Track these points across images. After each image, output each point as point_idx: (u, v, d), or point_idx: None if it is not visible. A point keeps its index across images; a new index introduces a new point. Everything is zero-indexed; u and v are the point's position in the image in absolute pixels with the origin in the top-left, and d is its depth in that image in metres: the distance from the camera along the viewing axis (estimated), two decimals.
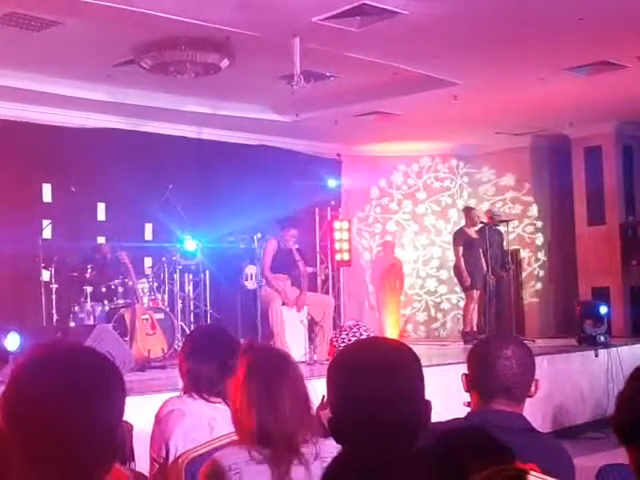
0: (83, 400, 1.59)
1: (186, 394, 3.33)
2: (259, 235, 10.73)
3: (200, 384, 3.28)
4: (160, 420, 3.30)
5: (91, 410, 1.60)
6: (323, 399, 3.25)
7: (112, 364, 1.70)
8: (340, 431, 1.92)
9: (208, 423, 3.17)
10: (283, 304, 9.64)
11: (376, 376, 1.91)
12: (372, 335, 3.77)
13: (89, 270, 9.96)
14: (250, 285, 10.50)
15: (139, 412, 4.17)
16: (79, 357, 1.67)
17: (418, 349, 2.13)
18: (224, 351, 3.24)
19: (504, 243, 12.02)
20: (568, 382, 9.71)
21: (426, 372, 2.03)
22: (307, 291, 10.08)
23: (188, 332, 10.72)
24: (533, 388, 2.74)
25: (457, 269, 11.97)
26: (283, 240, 9.82)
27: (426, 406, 1.95)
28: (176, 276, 11.07)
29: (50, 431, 1.56)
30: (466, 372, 2.79)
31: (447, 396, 6.15)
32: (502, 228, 12.06)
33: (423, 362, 2.04)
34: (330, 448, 2.48)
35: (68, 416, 1.57)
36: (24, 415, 1.58)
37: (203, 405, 3.25)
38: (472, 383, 2.76)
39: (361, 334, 3.75)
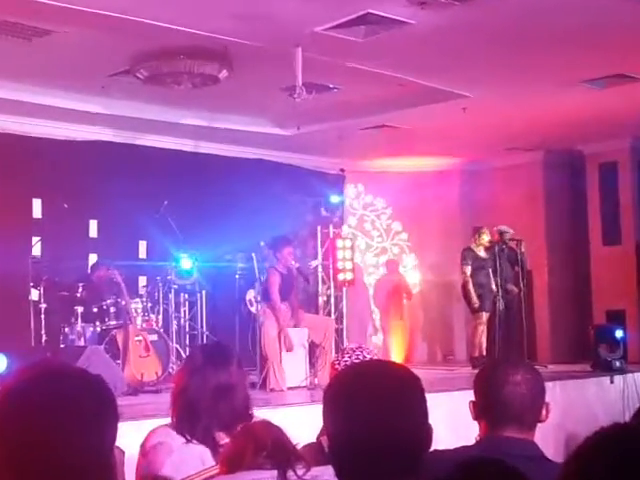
0: (73, 424, 1.59)
1: (174, 428, 3.28)
2: (258, 255, 10.74)
3: (193, 424, 3.22)
4: (147, 452, 3.27)
5: (81, 435, 1.59)
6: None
7: (105, 386, 1.70)
8: (338, 457, 1.92)
9: (199, 457, 3.15)
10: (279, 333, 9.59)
11: (375, 399, 1.91)
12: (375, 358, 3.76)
13: (80, 289, 9.96)
14: (254, 309, 10.49)
15: (131, 438, 4.15)
16: (70, 379, 1.67)
17: (423, 373, 2.13)
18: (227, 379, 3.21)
19: (515, 264, 12.00)
20: (582, 409, 9.67)
21: (432, 399, 2.04)
22: (306, 312, 10.08)
23: (185, 354, 10.72)
24: (544, 412, 2.74)
25: (465, 290, 11.95)
26: (283, 262, 9.76)
27: (428, 431, 1.96)
28: (171, 296, 11.08)
29: (39, 456, 1.56)
30: (474, 399, 2.79)
31: (455, 424, 6.14)
32: (512, 247, 12.04)
33: (429, 388, 2.05)
34: (329, 471, 2.48)
35: (58, 441, 1.57)
36: (12, 439, 1.58)
37: (192, 444, 3.21)
38: (480, 411, 2.76)
39: (364, 357, 3.75)
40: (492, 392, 2.71)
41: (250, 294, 11.29)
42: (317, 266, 12.59)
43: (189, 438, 3.20)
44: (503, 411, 2.68)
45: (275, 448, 2.56)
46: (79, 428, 1.60)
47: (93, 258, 11.05)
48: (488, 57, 8.86)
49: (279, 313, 9.55)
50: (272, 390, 9.15)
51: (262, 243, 10.63)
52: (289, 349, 9.52)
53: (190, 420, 3.21)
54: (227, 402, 3.14)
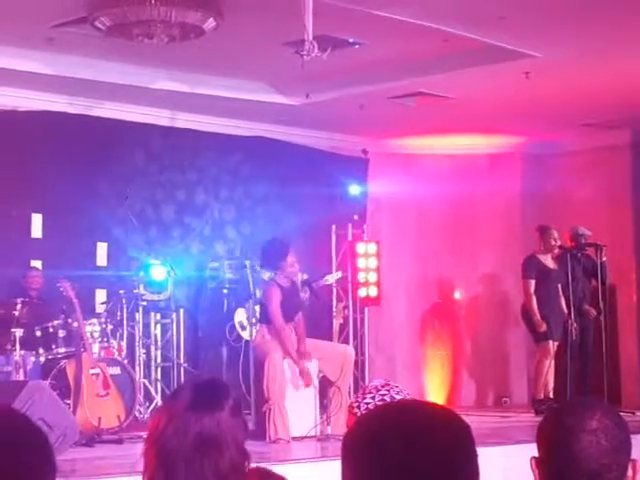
0: None
1: None
2: (254, 262, 10.76)
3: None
4: None
5: None
6: None
7: (37, 433, 1.70)
8: None
9: None
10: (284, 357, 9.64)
11: (408, 455, 1.92)
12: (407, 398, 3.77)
13: (18, 306, 9.99)
14: (247, 335, 10.51)
15: None
16: None
17: (470, 421, 2.14)
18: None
19: (593, 276, 11.98)
20: None
21: (483, 454, 2.04)
22: (317, 339, 10.10)
23: (156, 392, 10.76)
24: (630, 472, 2.74)
25: (526, 311, 11.93)
26: (284, 274, 9.74)
27: None
28: (138, 316, 11.10)
29: None
30: (536, 455, 2.79)
31: None
32: (590, 255, 12.03)
33: (479, 440, 2.05)
34: None
35: None
36: None
37: None
38: (545, 469, 2.76)
39: (392, 397, 3.75)
40: (560, 445, 2.71)
41: (240, 315, 11.31)
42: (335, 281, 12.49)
43: None
44: (575, 470, 2.68)
45: None
46: None
47: (36, 264, 11.07)
48: (563, 3, 8.85)
49: (287, 339, 9.57)
50: (276, 441, 9.17)
51: (256, 267, 10.57)
52: (308, 384, 9.57)
53: (165, 478, 3.23)
54: (212, 460, 3.15)
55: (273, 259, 9.81)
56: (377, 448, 1.95)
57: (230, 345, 11.40)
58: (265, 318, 9.80)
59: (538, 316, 11.72)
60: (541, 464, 2.79)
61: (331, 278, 11.87)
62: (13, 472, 1.63)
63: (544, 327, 11.71)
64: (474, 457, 2.00)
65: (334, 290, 12.84)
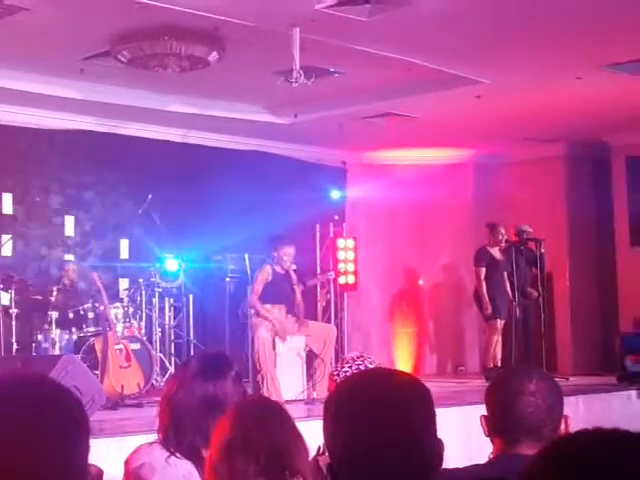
0: (38, 439, 1.58)
1: (160, 444, 3.28)
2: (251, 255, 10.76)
3: (178, 440, 3.23)
4: (129, 474, 3.29)
5: (48, 451, 1.59)
6: (319, 450, 3.25)
7: (73, 399, 1.70)
8: (339, 476, 1.92)
9: (183, 476, 3.15)
10: (276, 335, 9.63)
11: (379, 413, 1.91)
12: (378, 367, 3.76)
13: (54, 293, 9.98)
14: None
15: (110, 456, 4.16)
16: (32, 390, 1.67)
17: (432, 386, 2.13)
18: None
19: (533, 265, 11.99)
20: (607, 426, 9.65)
21: (442, 414, 2.04)
22: (306, 320, 10.09)
23: (170, 364, 10.73)
24: (563, 426, 2.74)
25: (477, 294, 11.95)
26: (278, 262, 9.77)
27: (438, 446, 1.96)
28: (155, 300, 11.08)
29: (2, 473, 1.56)
30: (485, 414, 2.79)
31: (467, 441, 6.15)
32: (531, 248, 12.04)
33: (438, 402, 2.04)
34: None
35: (21, 456, 1.57)
36: None
37: (176, 459, 3.22)
38: (493, 426, 2.76)
39: (366, 366, 3.75)
40: (504, 405, 2.71)
41: None
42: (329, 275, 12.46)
43: (173, 451, 3.20)
44: (517, 425, 2.68)
45: (269, 462, 2.54)
46: (44, 444, 1.59)
47: (69, 258, 11.06)
48: (505, 38, 8.85)
49: (261, 309, 9.58)
50: None
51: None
52: (279, 334, 9.58)
53: (175, 435, 3.22)
54: (215, 419, 3.14)
55: (269, 245, 9.88)
56: (352, 408, 1.95)
57: (232, 324, 11.38)
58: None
59: (487, 298, 11.75)
60: (489, 421, 2.79)
61: (331, 275, 12.06)
62: (55, 429, 1.63)
63: (489, 309, 11.74)
64: (433, 415, 2.00)
65: (318, 279, 12.84)
